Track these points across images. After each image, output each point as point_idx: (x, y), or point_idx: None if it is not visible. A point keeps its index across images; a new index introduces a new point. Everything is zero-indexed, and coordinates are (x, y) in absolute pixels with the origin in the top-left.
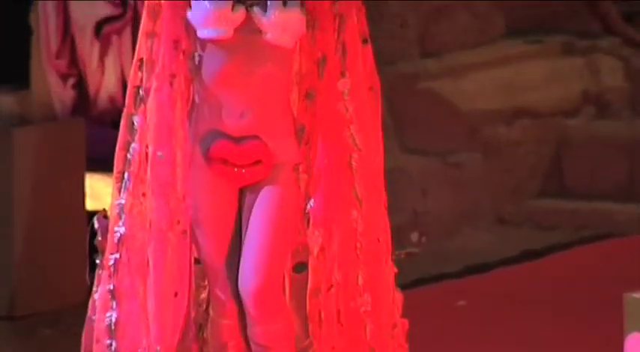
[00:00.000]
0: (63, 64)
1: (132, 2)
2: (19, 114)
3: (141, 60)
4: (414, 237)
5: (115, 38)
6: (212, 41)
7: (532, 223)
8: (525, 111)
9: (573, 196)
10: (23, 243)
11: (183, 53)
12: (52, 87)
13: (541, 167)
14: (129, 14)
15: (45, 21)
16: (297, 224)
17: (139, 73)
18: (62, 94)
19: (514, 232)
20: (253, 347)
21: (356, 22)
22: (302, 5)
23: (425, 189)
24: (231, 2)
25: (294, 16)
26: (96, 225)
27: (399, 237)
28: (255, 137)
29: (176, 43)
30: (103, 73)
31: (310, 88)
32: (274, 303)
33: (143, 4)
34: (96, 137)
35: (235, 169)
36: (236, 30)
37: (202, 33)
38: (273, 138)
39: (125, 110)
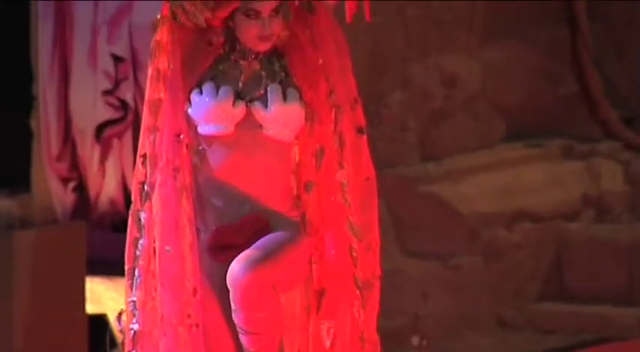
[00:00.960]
0: (63, 167)
1: (132, 105)
2: (19, 217)
3: (144, 155)
4: (415, 340)
5: (115, 141)
6: (213, 137)
7: (533, 326)
8: (525, 214)
9: (574, 300)
10: (23, 345)
11: (187, 147)
12: (52, 190)
13: (541, 270)
14: (129, 117)
15: (46, 124)
16: (305, 258)
17: (143, 169)
18: (63, 197)
19: (515, 335)
20: (238, 329)
21: (351, 112)
22: (301, 98)
23: (425, 292)
24: (231, 98)
25: (294, 109)
26: (118, 327)
27: (399, 339)
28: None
29: (178, 136)
30: (103, 176)
31: (309, 180)
32: (261, 296)
33: (143, 101)
34: (96, 240)
35: (239, 250)
36: (237, 125)
37: (203, 129)
38: (273, 226)
39: (132, 206)
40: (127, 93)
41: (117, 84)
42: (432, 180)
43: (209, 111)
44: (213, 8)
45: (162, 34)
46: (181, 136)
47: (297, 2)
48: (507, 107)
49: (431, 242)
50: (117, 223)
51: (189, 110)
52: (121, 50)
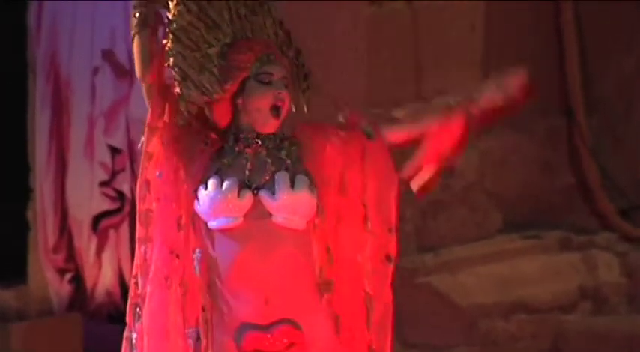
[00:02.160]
0: (60, 258)
1: (129, 196)
2: (16, 309)
3: (136, 275)
4: None
5: (112, 233)
6: (222, 231)
7: None
8: (522, 305)
9: None
10: None
11: (178, 257)
12: (48, 281)
13: None
14: (126, 208)
15: (42, 216)
16: None
17: (136, 289)
18: (59, 289)
19: None
20: None
21: (383, 239)
22: (311, 184)
23: None
24: (236, 189)
25: (303, 196)
26: None
27: None
28: (285, 320)
29: (171, 252)
30: (100, 267)
31: (329, 278)
32: None
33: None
34: (93, 331)
35: None
36: (246, 215)
37: (212, 224)
38: (304, 317)
39: (126, 328)
40: (124, 185)
41: (114, 175)
42: (429, 271)
43: (215, 205)
44: (224, 80)
45: (153, 145)
46: (176, 253)
47: (360, 126)
48: (504, 198)
49: (428, 333)
50: (113, 315)
51: (198, 207)
52: (118, 141)
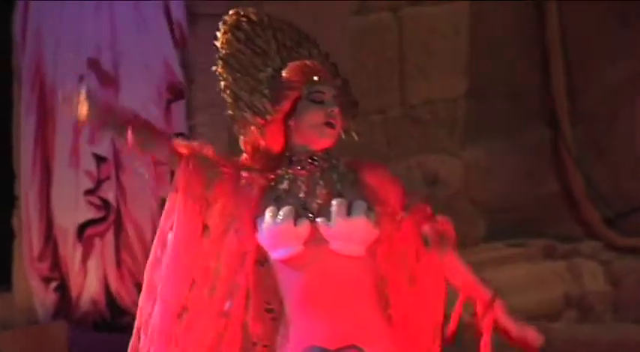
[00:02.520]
0: (45, 267)
1: (114, 205)
2: (0, 317)
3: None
4: None
5: (97, 241)
6: (284, 261)
7: None
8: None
9: None
10: None
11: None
12: (33, 290)
13: None
14: (111, 217)
15: (27, 224)
16: None
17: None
18: (44, 297)
19: None
20: None
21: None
22: (369, 209)
23: None
24: (292, 217)
25: (360, 223)
26: None
27: None
28: (352, 346)
29: (179, 315)
30: (85, 275)
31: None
32: None
33: (126, 208)
34: (78, 340)
35: None
36: (305, 243)
37: (274, 255)
38: (370, 343)
39: None
40: (109, 193)
41: (99, 183)
42: None
43: (273, 236)
44: (276, 101)
45: (175, 203)
46: (183, 315)
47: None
48: (489, 206)
49: None
50: (98, 323)
51: (258, 237)
52: (103, 150)
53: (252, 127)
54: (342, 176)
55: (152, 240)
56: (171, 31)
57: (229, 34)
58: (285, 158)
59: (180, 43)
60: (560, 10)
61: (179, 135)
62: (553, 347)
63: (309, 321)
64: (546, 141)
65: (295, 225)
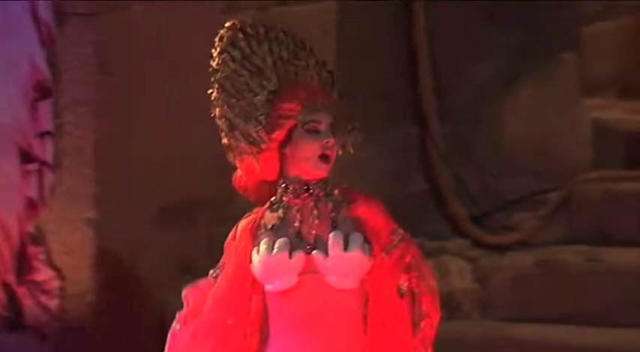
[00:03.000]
0: None
1: None
2: None
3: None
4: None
5: None
6: (277, 293)
7: None
8: None
9: None
10: None
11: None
12: None
13: None
14: None
15: None
16: None
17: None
18: None
19: None
20: None
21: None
22: (364, 242)
23: None
24: (286, 251)
25: (357, 257)
26: None
27: None
28: None
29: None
30: None
31: None
32: None
33: None
34: None
35: None
36: (299, 275)
37: (268, 288)
38: None
39: None
40: None
41: None
42: None
43: (267, 269)
44: (271, 129)
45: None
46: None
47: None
48: None
49: None
50: None
51: (252, 269)
52: None
53: (248, 156)
54: (337, 205)
55: (18, 239)
56: (38, 30)
57: (225, 53)
58: (279, 186)
59: (47, 42)
60: (427, 9)
61: (46, 133)
62: None
63: (293, 349)
64: (414, 140)
65: (290, 257)
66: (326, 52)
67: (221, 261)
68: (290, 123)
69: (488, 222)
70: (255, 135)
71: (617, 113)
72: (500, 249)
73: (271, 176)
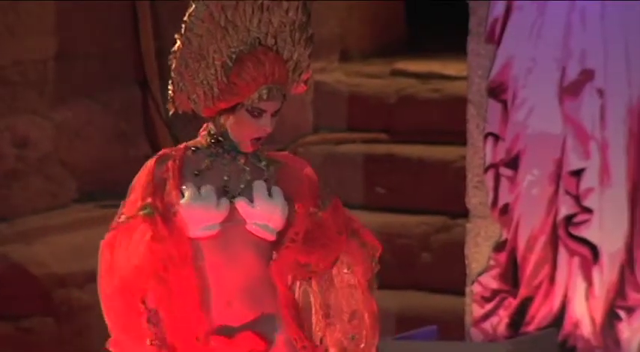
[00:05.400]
0: None
1: None
2: None
3: None
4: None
5: None
6: (199, 239)
7: None
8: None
9: None
10: None
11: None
12: None
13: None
14: None
15: None
16: None
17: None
18: None
19: None
20: None
21: None
22: (285, 197)
23: None
24: (214, 197)
25: (279, 206)
26: None
27: None
28: (248, 326)
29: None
30: None
31: None
32: None
33: None
34: None
35: None
36: (222, 223)
37: (193, 232)
38: (264, 325)
39: None
40: None
41: None
42: (3, 241)
43: (194, 214)
44: (217, 98)
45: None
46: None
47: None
48: (80, 168)
49: (3, 304)
50: None
51: (181, 212)
52: None
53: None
54: (266, 163)
55: None
56: None
57: (204, 6)
58: (209, 133)
59: None
60: None
61: None
62: None
63: (208, 295)
64: (137, 103)
65: (217, 205)
66: (46, 13)
67: (132, 199)
68: (238, 100)
69: None
70: (200, 100)
71: (337, 76)
72: None
73: (204, 115)
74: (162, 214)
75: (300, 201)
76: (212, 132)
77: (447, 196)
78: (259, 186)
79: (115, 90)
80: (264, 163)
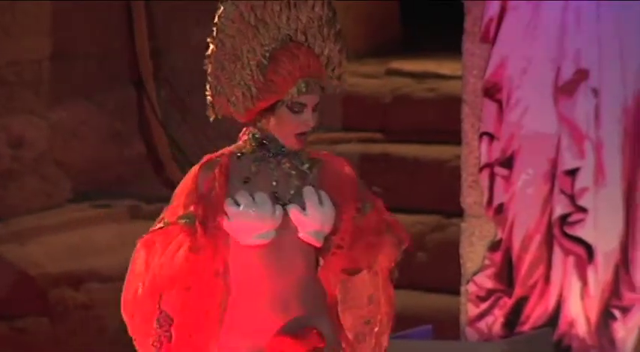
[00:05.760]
0: None
1: None
2: None
3: None
4: None
5: None
6: (254, 247)
7: None
8: (94, 274)
9: None
10: None
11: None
12: None
13: (109, 330)
14: None
15: None
16: None
17: None
18: None
19: None
20: None
21: None
22: (331, 200)
23: None
24: (270, 204)
25: (330, 212)
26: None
27: None
28: (313, 328)
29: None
30: None
31: None
32: None
33: None
34: None
35: None
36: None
37: (246, 241)
38: (317, 325)
39: None
40: None
41: None
42: None
43: (249, 222)
44: (256, 98)
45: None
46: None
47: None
48: (75, 167)
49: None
50: None
51: (225, 224)
52: None
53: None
54: (310, 165)
55: None
56: None
57: (232, 5)
58: (253, 137)
59: None
60: None
61: None
62: None
63: (263, 308)
64: (133, 103)
65: (273, 212)
66: (43, 13)
67: (175, 206)
68: (277, 97)
69: None
70: (239, 102)
71: None
72: None
73: (244, 120)
74: (203, 223)
75: (345, 204)
76: (257, 135)
77: (442, 195)
78: (310, 193)
79: (110, 90)
80: (306, 166)
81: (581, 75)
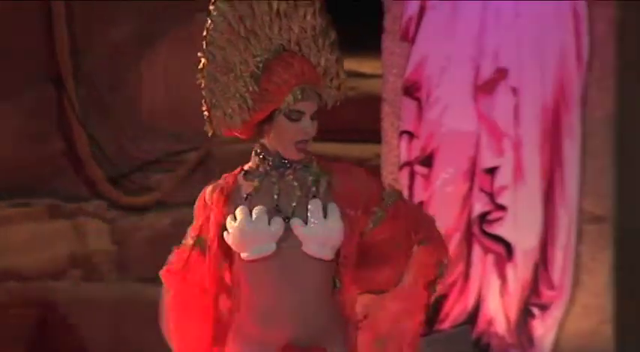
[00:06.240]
0: None
1: None
2: None
3: None
4: None
5: None
6: (254, 261)
7: None
8: (12, 273)
9: None
10: None
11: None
12: None
13: (26, 330)
14: None
15: None
16: None
17: None
18: None
19: None
20: None
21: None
22: (341, 214)
23: None
24: (266, 217)
25: (336, 226)
26: None
27: None
28: (314, 342)
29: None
30: None
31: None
32: None
33: None
34: None
35: None
36: (277, 242)
37: (246, 255)
38: (325, 341)
39: None
40: None
41: None
42: None
43: (247, 236)
44: (253, 109)
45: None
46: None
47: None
48: None
49: None
50: None
51: (226, 236)
52: None
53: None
54: (316, 178)
55: None
56: None
57: (221, 17)
58: (255, 153)
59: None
60: None
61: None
62: (57, 305)
63: (265, 317)
64: (52, 102)
65: (269, 224)
66: None
67: (192, 227)
68: (274, 106)
69: (126, 184)
70: (235, 114)
71: None
72: (138, 210)
73: (245, 137)
74: (199, 244)
75: (354, 218)
76: (258, 151)
77: None
78: (314, 206)
79: (29, 89)
80: (311, 178)
81: (501, 74)
